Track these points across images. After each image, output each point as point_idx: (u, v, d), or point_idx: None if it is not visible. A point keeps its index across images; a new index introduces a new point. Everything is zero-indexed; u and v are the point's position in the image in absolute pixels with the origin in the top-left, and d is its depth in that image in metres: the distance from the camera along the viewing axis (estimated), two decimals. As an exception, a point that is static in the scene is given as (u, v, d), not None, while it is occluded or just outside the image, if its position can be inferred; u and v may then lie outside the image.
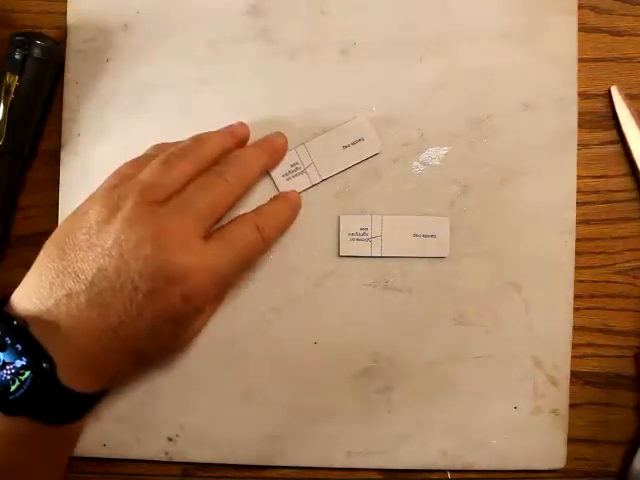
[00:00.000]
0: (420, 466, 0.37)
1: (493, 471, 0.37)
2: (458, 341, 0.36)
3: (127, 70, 0.37)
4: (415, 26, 0.37)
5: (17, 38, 0.35)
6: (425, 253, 0.36)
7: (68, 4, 0.38)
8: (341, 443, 0.36)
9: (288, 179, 0.36)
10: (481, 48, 0.37)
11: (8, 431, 0.27)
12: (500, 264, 0.36)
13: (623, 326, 0.37)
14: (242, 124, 0.36)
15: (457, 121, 0.37)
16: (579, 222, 0.37)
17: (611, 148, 0.38)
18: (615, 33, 0.38)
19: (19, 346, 0.26)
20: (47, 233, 0.37)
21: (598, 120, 0.38)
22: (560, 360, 0.36)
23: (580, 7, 0.37)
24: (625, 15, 0.38)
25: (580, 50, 0.37)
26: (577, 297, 0.36)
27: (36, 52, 0.35)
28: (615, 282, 0.37)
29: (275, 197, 0.36)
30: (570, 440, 0.36)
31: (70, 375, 0.27)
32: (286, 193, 0.36)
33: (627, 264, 0.37)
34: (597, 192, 0.37)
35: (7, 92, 0.35)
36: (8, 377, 0.26)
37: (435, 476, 0.37)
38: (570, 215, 0.37)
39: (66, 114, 0.37)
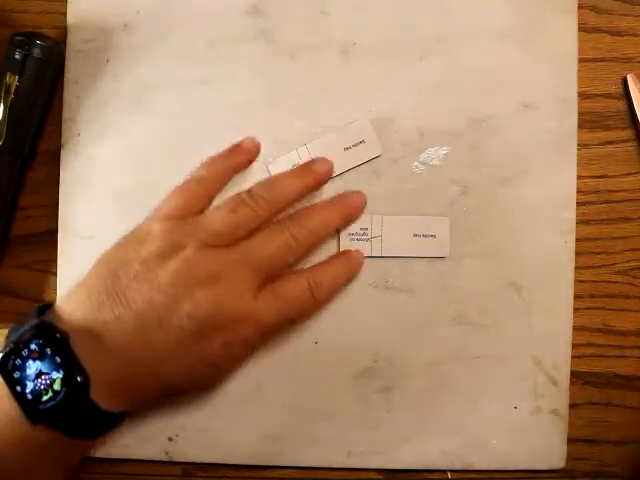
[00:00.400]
0: (420, 466, 0.37)
1: (493, 471, 0.37)
2: (458, 341, 0.36)
3: (127, 70, 0.37)
4: (415, 26, 0.37)
5: (17, 38, 0.35)
6: (425, 253, 0.36)
7: (68, 4, 0.38)
8: (341, 443, 0.36)
9: (288, 179, 0.36)
10: (481, 48, 0.37)
11: (29, 438, 0.27)
12: (500, 264, 0.36)
13: (623, 326, 0.37)
14: (322, 160, 0.34)
15: (457, 121, 0.37)
16: (579, 222, 0.37)
17: (611, 148, 0.38)
18: (615, 33, 0.38)
19: (58, 359, 0.27)
20: (47, 233, 0.37)
21: (598, 120, 0.38)
22: (560, 360, 0.36)
23: (580, 7, 0.37)
24: (625, 15, 0.38)
25: (580, 50, 0.37)
26: (577, 297, 0.36)
27: (36, 52, 0.35)
28: (615, 282, 0.37)
29: (337, 255, 0.35)
30: (570, 440, 0.36)
31: (101, 394, 0.28)
32: (349, 252, 0.35)
33: (627, 264, 0.37)
34: (597, 192, 0.38)
35: (7, 92, 0.35)
36: (42, 387, 0.26)
37: (435, 476, 0.37)
38: (570, 215, 0.37)
39: (66, 114, 0.37)
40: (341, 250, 0.35)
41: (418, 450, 0.36)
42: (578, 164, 0.37)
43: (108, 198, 0.37)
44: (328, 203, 0.34)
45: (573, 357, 0.36)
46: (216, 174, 0.32)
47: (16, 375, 0.27)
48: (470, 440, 0.36)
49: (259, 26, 0.37)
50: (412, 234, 0.36)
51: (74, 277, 0.37)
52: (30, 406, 0.26)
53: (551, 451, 0.36)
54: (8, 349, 0.27)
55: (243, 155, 0.33)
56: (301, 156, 0.36)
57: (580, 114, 0.37)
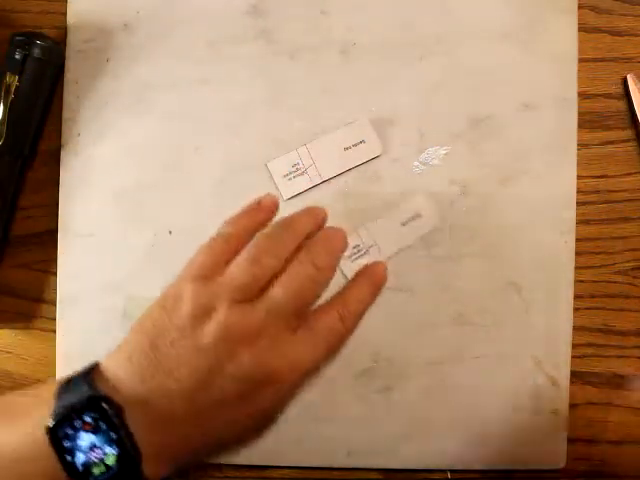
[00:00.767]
0: (420, 466, 0.37)
1: (493, 471, 0.37)
2: (458, 341, 0.36)
3: (127, 70, 0.37)
4: (415, 26, 0.37)
5: (17, 38, 0.35)
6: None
7: (68, 4, 0.38)
8: (341, 443, 0.36)
9: (289, 179, 0.36)
10: (481, 48, 0.37)
11: None
12: (500, 264, 0.36)
13: (623, 326, 0.37)
14: (320, 208, 0.34)
15: (457, 121, 0.37)
16: (579, 222, 0.37)
17: (611, 148, 0.38)
18: (615, 33, 0.38)
19: (113, 434, 0.27)
20: (47, 233, 0.37)
21: (598, 120, 0.38)
22: (560, 360, 0.36)
23: (580, 7, 0.37)
24: (625, 15, 0.38)
25: (580, 50, 0.37)
26: (577, 297, 0.36)
27: (36, 52, 0.35)
28: (615, 282, 0.37)
29: (361, 274, 0.34)
30: (570, 440, 0.36)
31: (149, 464, 0.27)
32: (373, 268, 0.34)
33: (627, 264, 0.37)
34: (597, 192, 0.38)
35: (7, 92, 0.35)
36: (93, 460, 0.26)
37: (435, 476, 0.37)
38: (570, 215, 0.37)
39: (66, 114, 0.37)
40: (365, 265, 0.34)
41: (418, 450, 0.36)
42: (578, 164, 0.37)
43: (108, 198, 0.37)
44: (329, 228, 0.34)
45: (573, 357, 0.36)
46: (242, 230, 0.32)
47: (66, 444, 0.26)
48: (470, 440, 0.36)
49: (259, 26, 0.37)
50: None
51: (74, 277, 0.37)
52: (79, 477, 0.26)
53: (551, 451, 0.36)
54: (60, 416, 0.27)
55: (264, 213, 0.33)
56: (301, 156, 0.37)
57: (580, 114, 0.37)
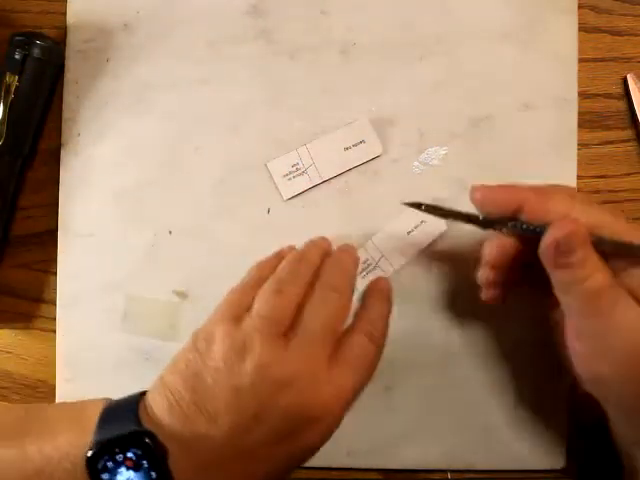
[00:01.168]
0: (420, 466, 0.37)
1: (493, 471, 0.37)
2: (458, 341, 0.36)
3: (127, 70, 0.37)
4: (415, 26, 0.37)
5: (17, 38, 0.35)
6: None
7: (68, 4, 0.38)
8: (341, 443, 0.36)
9: (289, 179, 0.36)
10: (481, 48, 0.37)
11: None
12: (500, 264, 0.36)
13: (623, 326, 0.37)
14: (323, 238, 0.35)
15: (457, 121, 0.37)
16: (579, 222, 0.37)
17: (611, 148, 0.38)
18: (615, 33, 0.38)
19: (154, 474, 0.26)
20: (47, 233, 0.37)
21: (598, 120, 0.38)
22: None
23: (580, 7, 0.37)
24: (625, 15, 0.38)
25: (580, 50, 0.37)
26: (577, 297, 0.36)
27: (36, 52, 0.35)
28: (615, 282, 0.37)
29: (371, 291, 0.34)
30: (570, 440, 0.36)
31: None
32: (377, 284, 0.35)
33: (627, 264, 0.37)
34: (597, 192, 0.37)
35: (7, 92, 0.35)
36: None
37: (435, 476, 0.37)
38: (570, 215, 0.37)
39: (66, 114, 0.37)
40: (368, 284, 0.35)
41: (418, 450, 0.36)
42: (578, 164, 0.37)
43: (108, 198, 0.37)
44: (339, 250, 0.35)
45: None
46: (270, 273, 0.32)
47: (105, 477, 0.26)
48: (470, 440, 0.36)
49: (259, 26, 0.37)
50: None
51: (74, 277, 0.37)
52: None
53: (551, 451, 0.36)
54: (102, 447, 0.26)
55: None
56: (301, 156, 0.37)
57: (580, 114, 0.37)
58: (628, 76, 0.37)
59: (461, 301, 0.36)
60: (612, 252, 0.27)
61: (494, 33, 0.37)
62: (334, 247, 0.35)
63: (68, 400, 0.36)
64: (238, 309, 0.30)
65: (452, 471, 0.37)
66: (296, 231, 0.36)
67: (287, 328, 0.30)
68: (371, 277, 0.36)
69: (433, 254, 0.36)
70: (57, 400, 0.37)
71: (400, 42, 0.37)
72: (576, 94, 0.37)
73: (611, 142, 0.38)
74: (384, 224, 0.36)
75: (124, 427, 0.27)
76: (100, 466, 0.26)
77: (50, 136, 0.38)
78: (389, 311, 0.34)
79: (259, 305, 0.30)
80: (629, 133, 0.38)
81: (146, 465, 0.26)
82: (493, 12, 0.37)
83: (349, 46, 0.37)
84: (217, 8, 0.37)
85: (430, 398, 0.36)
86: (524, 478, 0.37)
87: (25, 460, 0.27)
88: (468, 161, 0.37)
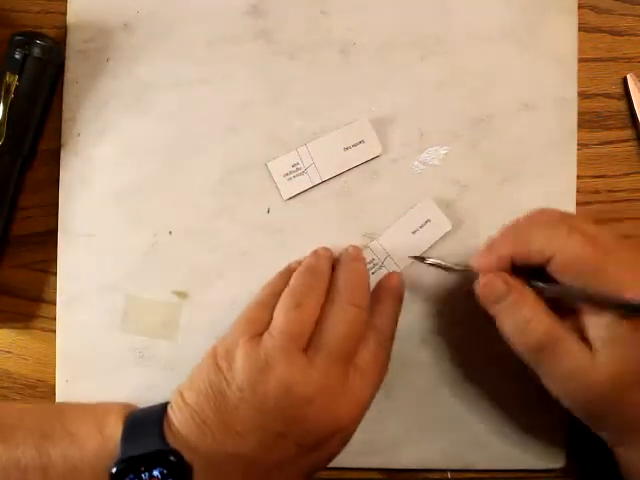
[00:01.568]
0: (420, 466, 0.37)
1: (493, 471, 0.37)
2: (458, 341, 0.36)
3: (127, 70, 0.37)
4: (415, 26, 0.37)
5: (17, 38, 0.35)
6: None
7: (68, 4, 0.38)
8: (341, 443, 0.36)
9: (289, 179, 0.36)
10: (481, 48, 0.37)
11: None
12: (500, 264, 0.36)
13: (623, 326, 0.37)
14: (324, 248, 0.35)
15: (457, 121, 0.37)
16: (579, 222, 0.37)
17: (610, 148, 0.38)
18: (615, 33, 0.38)
19: None
20: (47, 233, 0.37)
21: (598, 120, 0.38)
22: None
23: (580, 7, 0.37)
24: (625, 15, 0.38)
25: (580, 50, 0.37)
26: (577, 297, 0.36)
27: (36, 52, 0.35)
28: (615, 282, 0.37)
29: (379, 290, 0.34)
30: (570, 440, 0.36)
31: None
32: (390, 280, 0.35)
33: (627, 264, 0.37)
34: (597, 192, 0.38)
35: (7, 92, 0.35)
36: None
37: (435, 476, 0.37)
38: (570, 215, 0.37)
39: (66, 114, 0.37)
40: (381, 280, 0.35)
41: (418, 450, 0.36)
42: (578, 164, 0.37)
43: (108, 198, 0.37)
44: (347, 261, 0.34)
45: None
46: (282, 289, 0.32)
47: None
48: (470, 440, 0.36)
49: (259, 26, 0.37)
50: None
51: (74, 277, 0.37)
52: None
53: (551, 451, 0.36)
54: (128, 464, 0.27)
55: None
56: (301, 156, 0.37)
57: (580, 114, 0.37)
58: (628, 76, 0.37)
59: (466, 300, 0.36)
60: (554, 298, 0.29)
61: (494, 33, 0.37)
62: (335, 248, 0.35)
63: (68, 400, 0.37)
64: (257, 326, 0.30)
65: (452, 471, 0.37)
66: (296, 231, 0.36)
67: (308, 341, 0.30)
68: (377, 277, 0.35)
69: (438, 254, 0.36)
70: (57, 400, 0.37)
71: (400, 42, 0.37)
72: (576, 94, 0.37)
73: (611, 142, 0.38)
74: (384, 224, 0.36)
75: (149, 444, 0.27)
76: None
77: (50, 136, 0.38)
78: (399, 310, 0.34)
79: (279, 320, 0.30)
80: (629, 133, 0.38)
81: None
82: (493, 12, 0.37)
83: (349, 46, 0.37)
84: (217, 8, 0.37)
85: (430, 398, 0.36)
86: (524, 478, 0.37)
87: (48, 464, 0.27)
88: (468, 161, 0.37)
